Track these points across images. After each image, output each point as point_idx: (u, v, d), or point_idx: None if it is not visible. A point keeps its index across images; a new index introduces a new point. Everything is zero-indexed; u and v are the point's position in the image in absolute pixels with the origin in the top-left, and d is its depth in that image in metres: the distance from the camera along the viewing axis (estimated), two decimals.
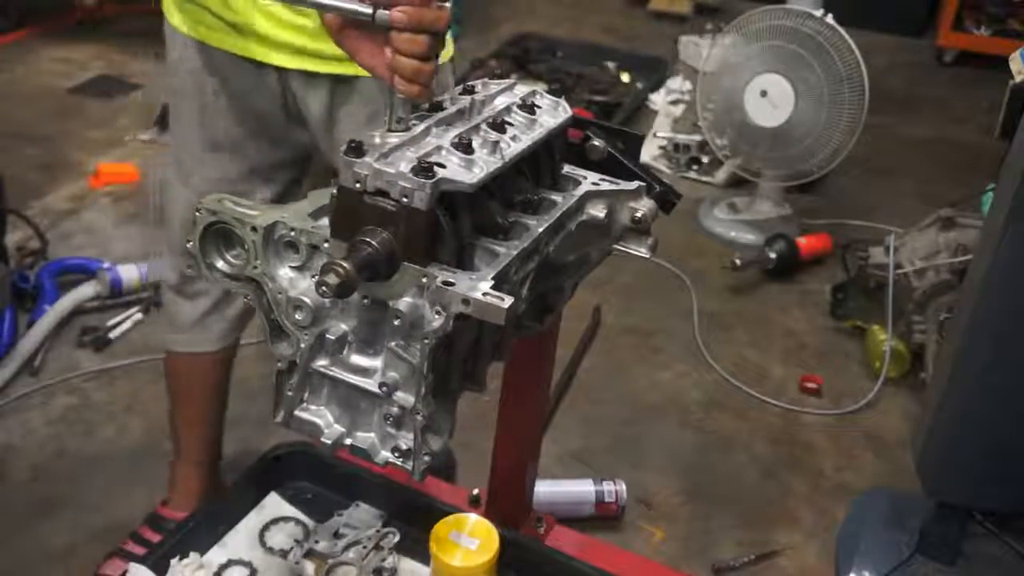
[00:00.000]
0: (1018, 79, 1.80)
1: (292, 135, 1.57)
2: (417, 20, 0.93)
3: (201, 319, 1.71)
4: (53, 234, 2.84)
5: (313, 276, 0.92)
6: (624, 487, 2.08)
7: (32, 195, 3.04)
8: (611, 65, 4.20)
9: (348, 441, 0.96)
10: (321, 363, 0.94)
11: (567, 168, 1.11)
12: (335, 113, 1.50)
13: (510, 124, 1.00)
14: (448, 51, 1.50)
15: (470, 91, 1.06)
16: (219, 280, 0.97)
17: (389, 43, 0.94)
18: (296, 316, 0.92)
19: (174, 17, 1.52)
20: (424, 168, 0.85)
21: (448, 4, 0.95)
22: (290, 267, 0.94)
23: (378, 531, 1.34)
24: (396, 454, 0.94)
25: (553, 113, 1.08)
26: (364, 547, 1.32)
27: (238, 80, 1.50)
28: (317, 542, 1.33)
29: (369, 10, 0.93)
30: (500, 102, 1.06)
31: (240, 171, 1.59)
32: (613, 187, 1.08)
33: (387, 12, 0.92)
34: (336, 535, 1.34)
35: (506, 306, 0.82)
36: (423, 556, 1.27)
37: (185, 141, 1.61)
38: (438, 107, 1.01)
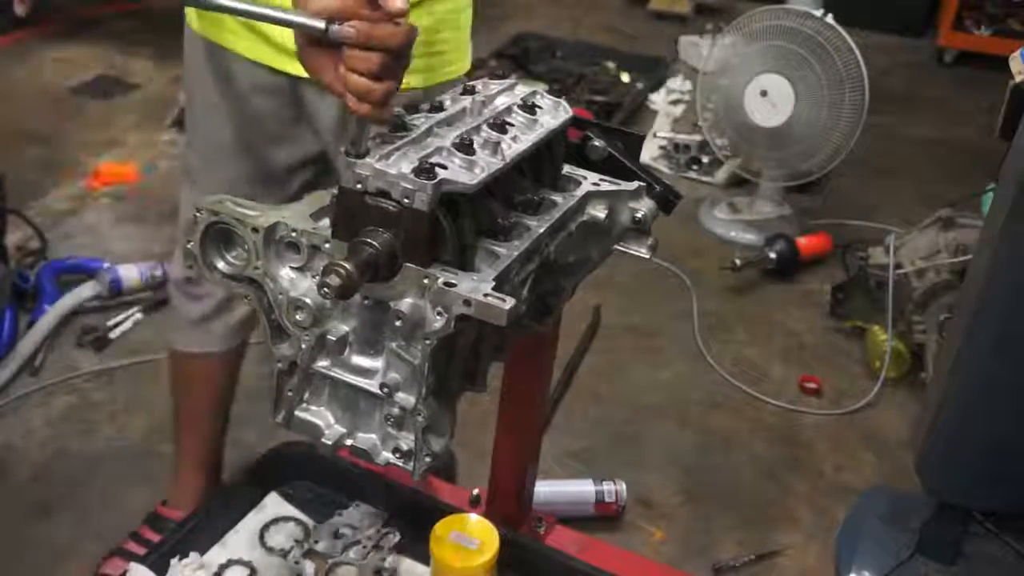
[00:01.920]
0: (1018, 79, 1.81)
1: (303, 140, 1.55)
2: (367, 36, 0.88)
3: (203, 320, 1.71)
4: (53, 234, 2.84)
5: (314, 277, 0.92)
6: (624, 487, 2.08)
7: (32, 195, 3.04)
8: (611, 65, 4.19)
9: (349, 442, 0.96)
10: (322, 364, 0.94)
11: (567, 168, 1.11)
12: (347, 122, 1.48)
13: (511, 124, 1.00)
14: (463, 65, 1.49)
15: (470, 91, 1.06)
16: (219, 281, 0.97)
17: (342, 60, 0.91)
18: (297, 317, 0.92)
19: (192, 16, 1.51)
20: (425, 169, 0.85)
21: (404, 21, 0.90)
22: (291, 268, 0.94)
23: (378, 531, 1.34)
24: (397, 455, 0.94)
25: (554, 113, 1.07)
26: (364, 547, 1.32)
27: (248, 83, 1.49)
28: (317, 542, 1.33)
29: (322, 24, 0.89)
30: (501, 102, 1.06)
31: (249, 174, 1.57)
32: (614, 187, 1.08)
33: (339, 27, 0.89)
34: (336, 535, 1.35)
35: (507, 307, 0.82)
36: (423, 556, 1.27)
37: (195, 142, 1.62)
38: (439, 107, 1.01)
